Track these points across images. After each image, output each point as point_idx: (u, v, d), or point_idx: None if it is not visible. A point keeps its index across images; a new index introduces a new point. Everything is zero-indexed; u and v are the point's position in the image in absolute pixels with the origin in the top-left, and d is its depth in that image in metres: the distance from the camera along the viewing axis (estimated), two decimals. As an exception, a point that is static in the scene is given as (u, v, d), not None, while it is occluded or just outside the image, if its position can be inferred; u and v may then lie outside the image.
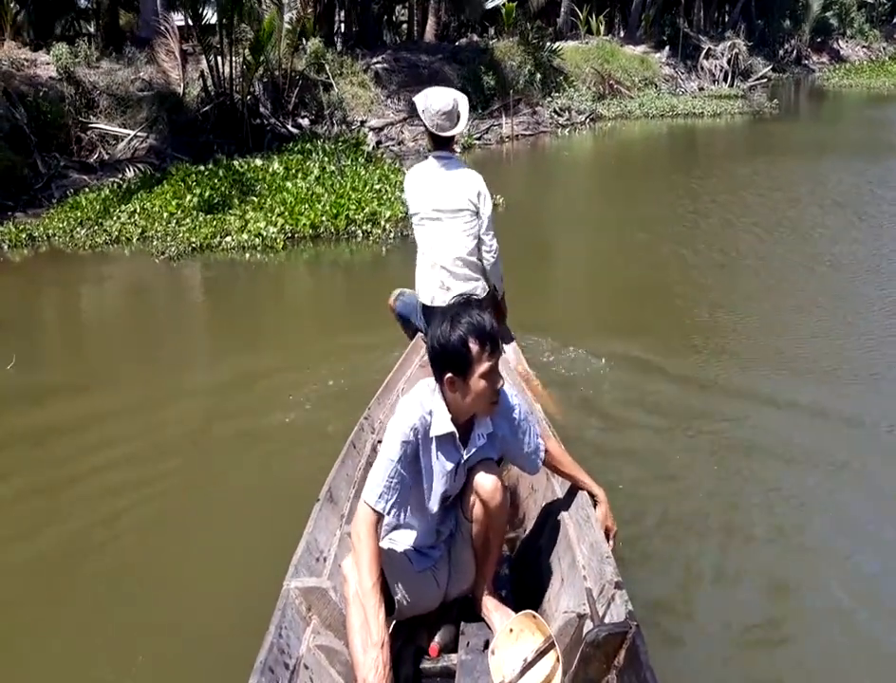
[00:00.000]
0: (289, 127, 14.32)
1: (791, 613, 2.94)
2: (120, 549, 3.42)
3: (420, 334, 4.00)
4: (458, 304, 2.40)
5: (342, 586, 2.28)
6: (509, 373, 3.43)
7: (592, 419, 4.31)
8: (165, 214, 9.20)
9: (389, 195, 9.58)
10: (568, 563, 2.45)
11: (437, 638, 2.43)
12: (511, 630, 2.22)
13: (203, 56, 13.46)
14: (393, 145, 15.08)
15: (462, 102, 3.79)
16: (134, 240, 8.70)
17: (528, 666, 2.15)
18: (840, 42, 38.49)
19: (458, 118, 3.77)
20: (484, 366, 2.24)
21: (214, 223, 8.61)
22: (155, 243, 8.35)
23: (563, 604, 2.36)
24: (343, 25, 26.74)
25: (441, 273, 3.84)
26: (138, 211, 9.41)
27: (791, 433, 4.11)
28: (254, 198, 9.39)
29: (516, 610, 2.35)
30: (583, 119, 18.19)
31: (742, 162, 12.85)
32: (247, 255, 8.17)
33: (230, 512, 3.63)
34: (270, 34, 14.20)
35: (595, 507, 2.55)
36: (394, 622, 2.39)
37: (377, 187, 9.74)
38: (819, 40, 36.52)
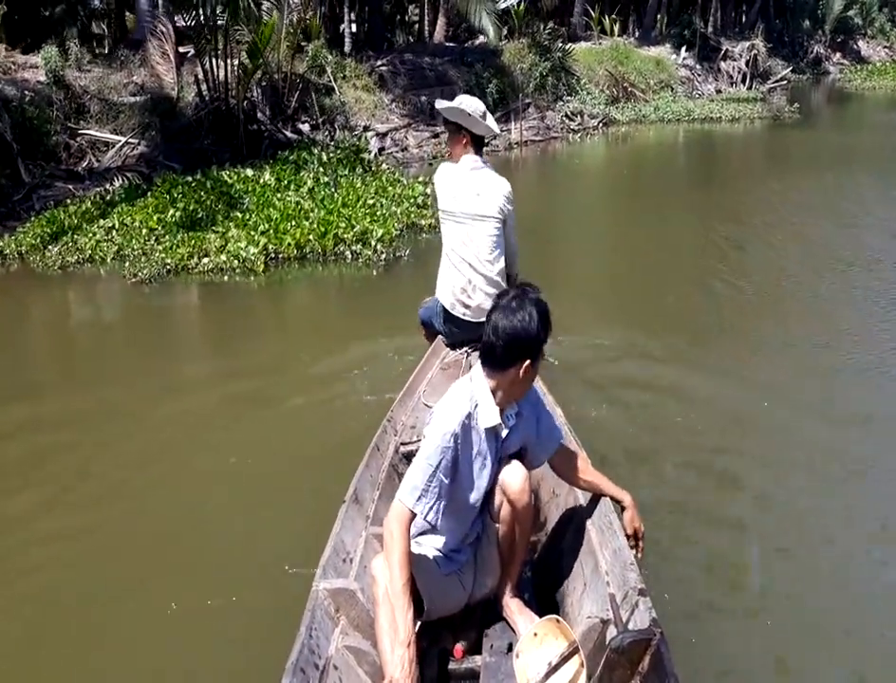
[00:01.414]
0: (288, 133, 13.61)
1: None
2: (149, 553, 3.48)
3: (440, 337, 4.01)
4: (520, 293, 2.36)
5: (370, 587, 2.27)
6: None
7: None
8: (145, 231, 8.52)
9: (384, 211, 8.85)
10: (590, 569, 2.44)
11: (461, 641, 2.43)
12: (535, 634, 2.22)
13: (207, 58, 12.78)
14: (397, 151, 14.34)
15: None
16: (108, 259, 8.02)
17: (552, 670, 2.15)
18: (861, 42, 37.35)
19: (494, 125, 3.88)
20: (539, 358, 2.35)
21: (193, 242, 7.90)
22: (127, 264, 7.64)
23: (586, 609, 2.35)
24: (354, 25, 26.07)
25: (467, 272, 3.84)
26: (116, 226, 8.74)
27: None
28: (239, 214, 8.68)
29: (539, 613, 2.37)
30: (595, 123, 17.35)
31: (767, 175, 11.94)
32: (225, 277, 7.46)
33: (262, 515, 3.64)
34: (269, 37, 13.57)
35: (623, 512, 2.53)
36: (419, 623, 2.30)
37: (371, 202, 9.01)
38: (839, 40, 35.41)
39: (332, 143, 12.84)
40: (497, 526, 2.46)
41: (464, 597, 2.52)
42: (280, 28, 13.71)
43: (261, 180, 10.13)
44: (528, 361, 2.31)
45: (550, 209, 10.42)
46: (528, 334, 2.28)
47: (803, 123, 17.87)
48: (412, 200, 9.65)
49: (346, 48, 21.39)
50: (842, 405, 4.63)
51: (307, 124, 14.23)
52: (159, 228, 8.58)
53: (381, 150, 14.11)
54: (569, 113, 17.23)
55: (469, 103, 3.76)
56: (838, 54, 35.36)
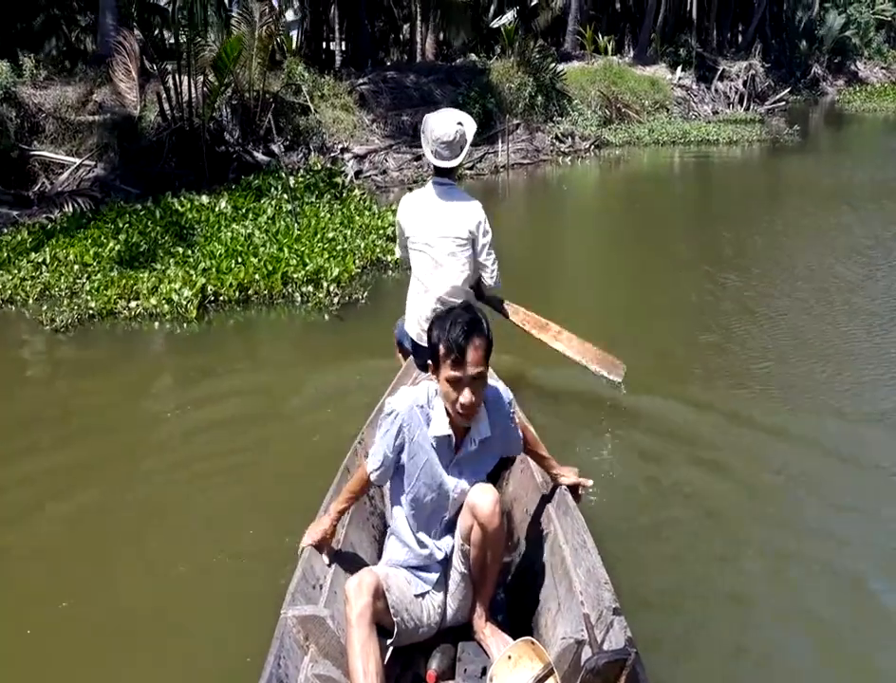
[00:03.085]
0: (259, 155, 12.66)
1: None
2: (110, 586, 3.26)
3: (411, 357, 3.92)
4: (460, 310, 2.35)
5: (342, 610, 2.24)
6: None
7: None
8: (77, 267, 7.53)
9: (347, 245, 7.87)
10: (565, 589, 2.42)
11: (433, 665, 2.38)
12: (509, 657, 2.19)
13: (169, 76, 11.84)
14: (375, 175, 13.38)
15: (469, 129, 3.67)
16: (31, 301, 7.03)
17: None
18: (858, 63, 36.62)
19: (462, 149, 3.65)
20: (447, 372, 2.27)
21: (124, 281, 6.91)
22: (45, 308, 6.63)
23: (560, 630, 2.31)
24: (343, 43, 25.26)
25: (434, 303, 3.74)
26: (48, 260, 7.75)
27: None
28: (180, 248, 7.68)
29: (513, 635, 2.35)
30: (587, 145, 16.40)
31: (770, 209, 10.72)
32: (156, 324, 6.47)
33: (225, 543, 3.47)
34: (239, 53, 12.64)
35: (577, 494, 2.69)
36: (391, 649, 2.33)
37: (331, 235, 8.02)
38: (837, 61, 34.65)
39: (303, 167, 11.89)
40: (468, 548, 2.42)
41: (436, 622, 2.47)
42: (251, 44, 12.82)
43: (216, 209, 9.17)
44: (430, 361, 2.34)
45: (526, 244, 9.40)
46: (428, 337, 2.34)
47: (804, 148, 16.87)
48: (380, 232, 8.67)
49: (335, 66, 20.64)
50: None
51: (280, 146, 13.29)
52: (94, 263, 7.60)
53: (358, 173, 13.16)
54: (559, 135, 16.29)
55: (434, 124, 3.63)
56: (835, 75, 34.61)
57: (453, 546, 2.48)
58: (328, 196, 10.28)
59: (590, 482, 2.76)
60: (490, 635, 2.43)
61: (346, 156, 13.54)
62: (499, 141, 14.99)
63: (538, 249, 9.14)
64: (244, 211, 9.15)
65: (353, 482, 2.57)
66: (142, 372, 5.72)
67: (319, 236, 7.87)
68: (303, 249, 7.39)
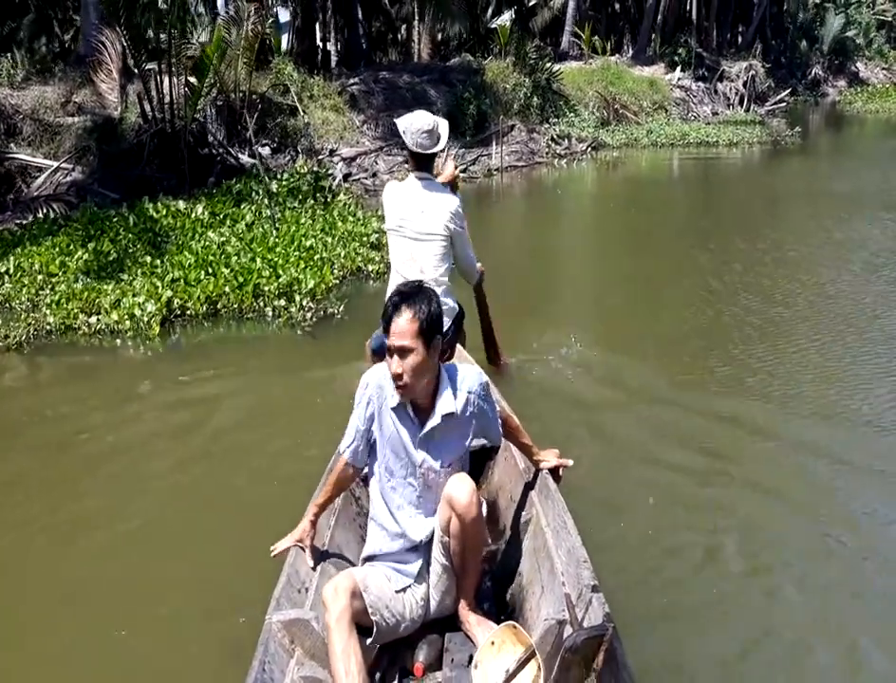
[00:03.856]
0: (245, 157, 12.20)
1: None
2: (98, 585, 3.19)
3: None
4: (411, 284, 2.44)
5: (322, 614, 2.23)
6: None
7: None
8: (41, 277, 7.08)
9: (326, 253, 7.41)
10: (547, 571, 2.42)
11: (420, 657, 2.37)
12: (493, 643, 2.20)
13: (150, 76, 11.38)
14: (365, 177, 12.93)
15: (443, 124, 3.77)
16: (-12, 313, 6.60)
17: (510, 677, 2.14)
18: (859, 64, 36.12)
19: (439, 138, 3.73)
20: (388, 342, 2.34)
21: (87, 294, 6.46)
22: (-1, 323, 6.19)
23: (543, 612, 2.32)
24: (338, 43, 24.81)
25: (416, 277, 3.65)
26: (11, 271, 7.30)
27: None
28: (149, 258, 7.23)
29: (500, 622, 2.33)
30: (584, 147, 15.94)
31: (770, 218, 10.18)
32: (117, 341, 6.02)
33: (206, 548, 3.41)
34: (224, 53, 12.20)
35: (558, 475, 2.74)
36: (377, 646, 2.34)
37: (309, 242, 7.56)
38: (837, 62, 34.15)
39: (288, 169, 11.43)
40: (448, 540, 2.41)
41: (418, 615, 2.45)
42: (238, 44, 12.37)
43: (193, 214, 8.71)
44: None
45: (516, 251, 8.93)
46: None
47: (806, 150, 16.40)
48: (363, 239, 8.23)
49: (330, 66, 20.17)
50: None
51: (266, 148, 12.84)
52: (60, 274, 7.15)
53: (346, 176, 12.71)
54: (555, 136, 15.83)
55: (406, 118, 3.71)
56: (836, 76, 34.11)
57: (431, 534, 2.46)
58: (312, 201, 9.83)
59: (570, 462, 2.80)
60: (476, 623, 2.42)
61: (335, 158, 13.09)
62: (493, 143, 14.53)
63: (529, 256, 8.69)
64: (222, 217, 8.70)
65: (332, 474, 2.57)
66: (94, 393, 5.26)
67: (296, 244, 7.41)
68: (276, 259, 6.92)
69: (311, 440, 4.17)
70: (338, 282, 7.05)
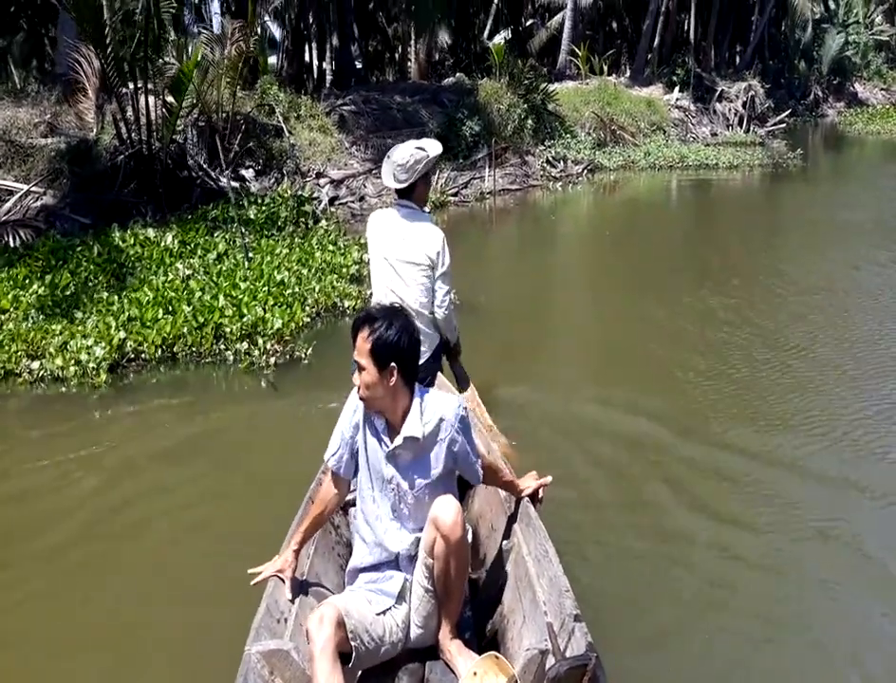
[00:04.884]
0: (226, 180, 11.67)
1: None
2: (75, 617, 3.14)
3: None
4: (384, 306, 2.49)
5: (305, 645, 2.23)
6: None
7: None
8: (-11, 314, 6.50)
9: (300, 288, 6.83)
10: (529, 600, 2.40)
11: None
12: (475, 672, 2.18)
13: (127, 96, 10.86)
14: (352, 201, 12.39)
15: (431, 150, 3.62)
16: (-72, 355, 5.99)
17: None
18: (857, 84, 35.74)
19: (415, 172, 3.59)
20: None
21: (33, 335, 5.87)
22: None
23: (525, 642, 2.29)
24: (333, 62, 24.37)
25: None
26: (-41, 305, 6.73)
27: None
28: (106, 294, 6.65)
29: (481, 652, 2.31)
30: (580, 170, 15.41)
31: (775, 251, 9.38)
32: (62, 388, 5.43)
33: (187, 576, 3.34)
34: (206, 72, 11.71)
35: (538, 498, 2.74)
36: (358, 674, 2.34)
37: (280, 277, 6.98)
38: (836, 82, 33.75)
39: (271, 193, 10.89)
40: (432, 562, 2.37)
41: (399, 639, 2.42)
42: (221, 63, 11.88)
43: (162, 244, 8.14)
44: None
45: (507, 282, 8.34)
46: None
47: (809, 175, 15.81)
48: (343, 271, 7.67)
49: (325, 85, 19.74)
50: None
51: (250, 170, 12.31)
52: (11, 309, 6.56)
53: (333, 199, 12.18)
54: (550, 158, 15.30)
55: (396, 150, 3.67)
56: (835, 96, 33.72)
57: (409, 547, 2.45)
58: (292, 227, 9.29)
59: (549, 479, 2.78)
60: (457, 653, 2.39)
61: (322, 180, 12.56)
62: (486, 166, 14.00)
63: (516, 290, 8.10)
64: (192, 246, 8.13)
65: (318, 497, 2.57)
66: (23, 446, 4.66)
67: (265, 279, 6.82)
68: (242, 295, 6.34)
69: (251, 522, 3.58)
70: (310, 320, 6.48)
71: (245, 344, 5.73)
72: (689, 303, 7.16)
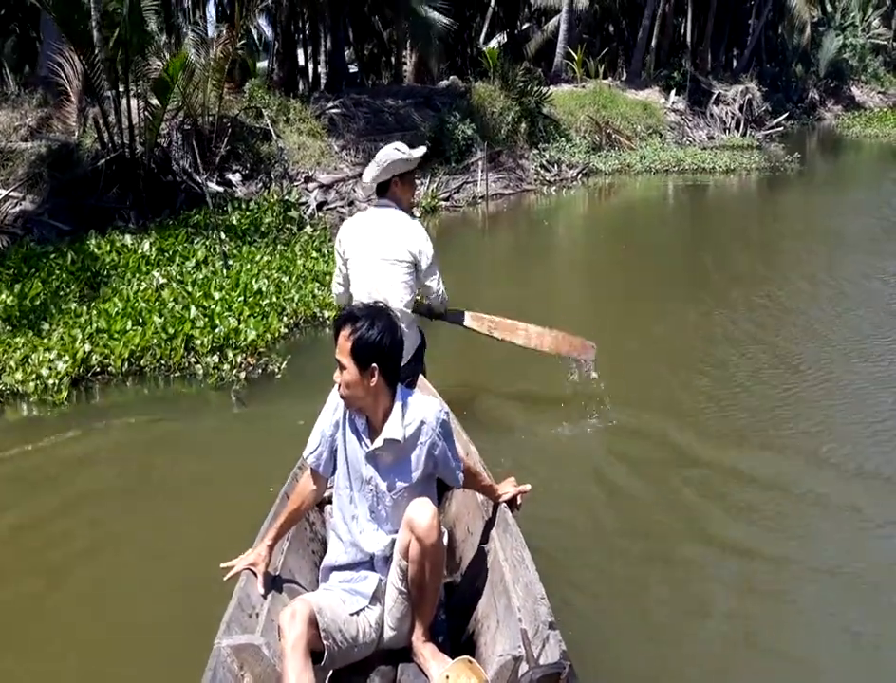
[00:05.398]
0: (213, 185, 11.37)
1: None
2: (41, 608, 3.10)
3: None
4: (366, 305, 2.44)
5: (277, 641, 2.18)
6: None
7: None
8: (-46, 325, 6.20)
9: (278, 298, 6.53)
10: (504, 606, 2.38)
11: None
12: (447, 676, 2.16)
13: (110, 99, 10.56)
14: (342, 206, 12.08)
15: (397, 155, 3.57)
16: None
17: None
18: (854, 88, 35.49)
19: (388, 171, 3.61)
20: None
21: (-8, 348, 5.57)
22: None
23: (499, 647, 2.28)
24: (328, 65, 24.05)
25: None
26: (-77, 317, 6.42)
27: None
28: (75, 304, 6.34)
29: (454, 656, 2.28)
30: (574, 174, 15.12)
31: (774, 258, 9.04)
32: (23, 406, 5.13)
33: (157, 570, 3.29)
34: (192, 74, 11.41)
35: (516, 505, 2.70)
36: (329, 673, 2.31)
37: (257, 286, 6.68)
38: (833, 85, 33.49)
39: (256, 197, 10.60)
40: (406, 564, 2.35)
41: (371, 639, 2.39)
42: (207, 64, 11.58)
43: (139, 251, 7.85)
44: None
45: (497, 293, 8.01)
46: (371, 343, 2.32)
47: (807, 178, 15.49)
48: (326, 278, 7.35)
49: (311, 87, 19.44)
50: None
51: (237, 174, 12.01)
52: (-24, 321, 6.26)
53: (321, 205, 11.87)
54: (544, 162, 15.01)
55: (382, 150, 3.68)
56: (832, 99, 33.46)
57: (385, 549, 2.43)
58: (276, 233, 9.00)
59: (528, 487, 2.74)
60: (430, 656, 2.36)
61: (311, 185, 12.26)
62: (479, 169, 13.70)
63: (510, 298, 7.79)
64: (170, 253, 7.83)
65: (294, 493, 2.53)
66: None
67: (242, 288, 6.52)
68: (215, 306, 6.03)
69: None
70: (287, 331, 6.17)
71: (216, 358, 5.41)
72: (686, 315, 6.86)
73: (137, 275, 7.20)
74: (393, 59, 28.08)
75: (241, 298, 6.32)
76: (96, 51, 9.85)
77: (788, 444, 4.40)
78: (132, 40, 9.83)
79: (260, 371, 5.37)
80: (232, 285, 6.58)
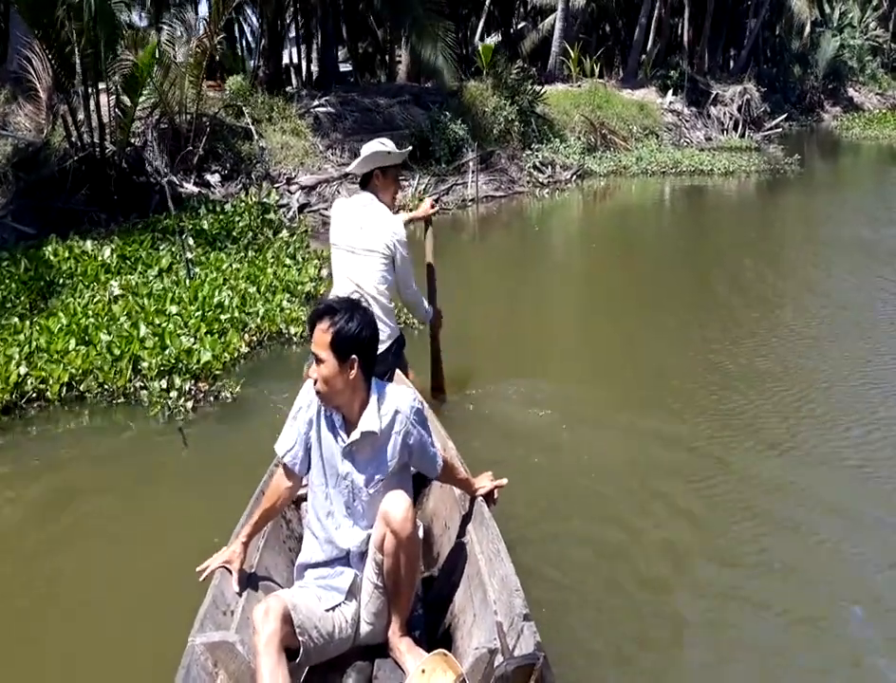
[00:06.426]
0: (190, 186, 10.80)
1: None
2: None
3: None
4: (343, 298, 2.44)
5: (251, 638, 2.14)
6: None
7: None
8: None
9: (237, 313, 5.93)
10: (479, 599, 2.38)
11: None
12: (423, 671, 2.14)
13: (79, 95, 9.96)
14: (325, 208, 11.46)
15: (381, 148, 3.69)
16: None
17: None
18: (852, 89, 34.97)
19: (368, 163, 3.69)
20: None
21: (-81, 370, 4.97)
22: None
23: (475, 640, 2.28)
24: (315, 62, 23.44)
25: (355, 294, 3.46)
26: None
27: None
28: (16, 319, 5.74)
29: (430, 650, 2.25)
30: (568, 176, 14.53)
31: (778, 270, 8.32)
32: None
33: (131, 568, 3.19)
34: (168, 68, 10.83)
35: (493, 499, 2.69)
36: (305, 670, 2.28)
37: (217, 299, 6.07)
38: (831, 87, 32.95)
39: (233, 199, 10.01)
40: (381, 558, 2.32)
41: (348, 635, 2.35)
42: (185, 59, 10.99)
43: (100, 258, 7.26)
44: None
45: (482, 306, 7.41)
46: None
47: (808, 182, 14.85)
48: (298, 288, 6.79)
49: (303, 84, 18.84)
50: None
51: (216, 175, 11.42)
52: (-90, 336, 5.66)
53: (303, 207, 11.29)
54: (537, 163, 14.41)
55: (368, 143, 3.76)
56: (830, 101, 32.94)
57: (360, 545, 2.38)
58: (250, 238, 8.41)
59: (505, 481, 2.73)
60: (406, 651, 2.33)
61: (293, 186, 11.67)
62: (470, 171, 13.11)
63: (497, 308, 7.22)
64: (133, 260, 7.24)
65: (269, 489, 2.51)
66: None
67: (201, 301, 5.92)
68: (166, 322, 5.43)
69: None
70: (249, 350, 5.58)
71: (164, 382, 4.82)
72: (684, 330, 6.29)
73: (94, 285, 6.62)
74: (388, 58, 27.57)
75: (199, 312, 5.72)
76: (64, 45, 9.27)
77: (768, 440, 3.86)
78: (100, 33, 9.25)
79: (212, 399, 4.78)
80: (191, 297, 5.98)
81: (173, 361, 4.96)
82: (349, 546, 2.39)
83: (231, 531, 2.56)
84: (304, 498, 2.77)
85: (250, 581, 2.44)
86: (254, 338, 5.72)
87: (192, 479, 4.07)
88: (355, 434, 2.34)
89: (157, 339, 5.15)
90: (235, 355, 5.36)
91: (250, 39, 24.04)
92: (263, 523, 2.51)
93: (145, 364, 4.93)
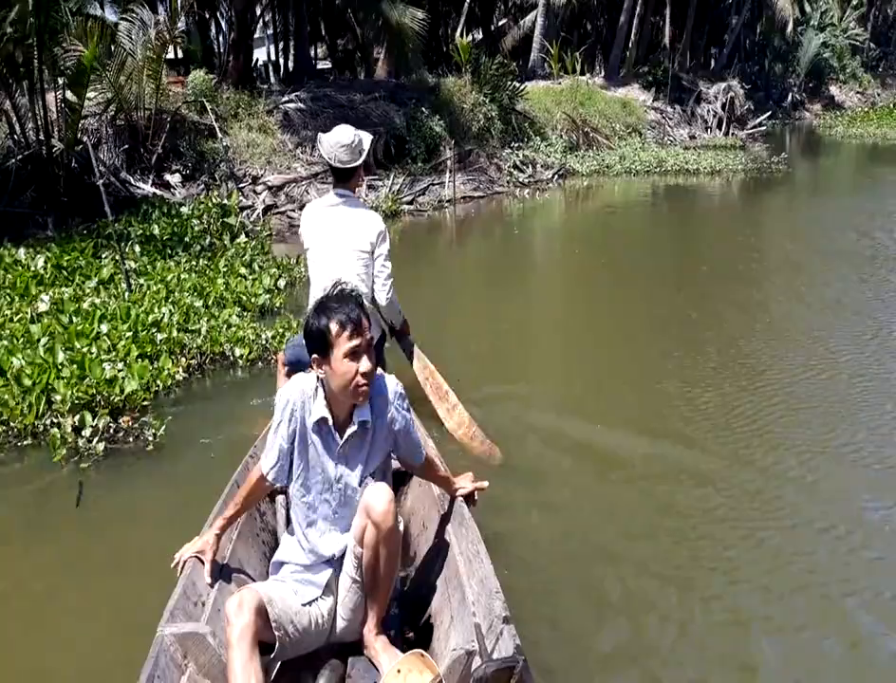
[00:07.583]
0: (147, 187, 10.04)
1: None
2: None
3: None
4: (333, 295, 2.27)
5: (223, 629, 2.07)
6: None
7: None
8: None
9: (173, 332, 5.20)
10: (458, 600, 2.31)
11: (322, 681, 2.21)
12: (398, 671, 2.07)
13: (23, 90, 9.16)
14: (292, 209, 10.74)
15: (366, 140, 3.58)
16: None
17: None
18: (833, 87, 34.69)
19: (360, 153, 3.54)
20: (344, 347, 2.17)
21: None
22: None
23: (452, 642, 2.22)
24: (290, 57, 22.67)
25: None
26: None
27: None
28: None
29: (406, 650, 2.19)
30: (550, 175, 13.87)
31: (771, 280, 7.68)
32: None
33: (102, 560, 3.09)
34: (124, 63, 10.06)
35: (473, 500, 2.61)
36: (278, 665, 2.21)
37: (157, 315, 5.34)
38: (812, 85, 32.60)
39: (189, 202, 9.25)
40: (361, 551, 2.25)
41: (324, 630, 2.29)
42: (143, 52, 10.21)
43: (32, 267, 6.50)
44: (314, 355, 2.22)
45: (456, 316, 6.73)
46: (309, 329, 2.22)
47: (796, 182, 14.26)
48: (250, 301, 6.07)
49: (279, 80, 18.09)
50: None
51: (177, 175, 10.65)
52: None
53: (269, 208, 10.55)
54: (518, 163, 13.74)
55: (333, 133, 3.54)
56: (812, 99, 32.60)
57: (344, 549, 2.31)
58: (205, 243, 7.68)
59: (486, 483, 2.65)
60: (381, 650, 2.26)
61: (259, 186, 10.93)
62: (447, 170, 12.41)
63: (475, 320, 6.54)
64: (69, 271, 6.49)
65: (244, 487, 2.41)
66: None
67: (134, 319, 5.19)
68: (87, 345, 4.70)
69: None
70: (186, 376, 4.86)
71: (76, 420, 4.09)
72: (666, 347, 5.64)
73: (23, 299, 5.87)
74: (367, 54, 26.81)
75: (131, 332, 4.99)
76: (3, 34, 8.47)
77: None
78: (43, 24, 8.45)
79: (132, 439, 4.06)
80: (122, 315, 5.24)
81: (91, 394, 4.23)
82: (333, 552, 2.32)
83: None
84: (279, 491, 2.75)
85: (222, 573, 2.37)
86: (193, 361, 5.00)
87: (76, 549, 3.34)
88: (352, 428, 2.26)
89: (74, 366, 4.41)
90: (169, 382, 4.63)
91: (224, 33, 23.27)
92: (237, 515, 2.44)
93: (59, 397, 4.19)
